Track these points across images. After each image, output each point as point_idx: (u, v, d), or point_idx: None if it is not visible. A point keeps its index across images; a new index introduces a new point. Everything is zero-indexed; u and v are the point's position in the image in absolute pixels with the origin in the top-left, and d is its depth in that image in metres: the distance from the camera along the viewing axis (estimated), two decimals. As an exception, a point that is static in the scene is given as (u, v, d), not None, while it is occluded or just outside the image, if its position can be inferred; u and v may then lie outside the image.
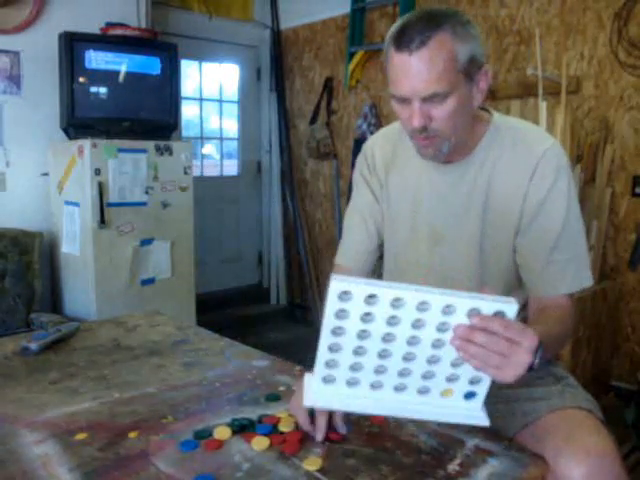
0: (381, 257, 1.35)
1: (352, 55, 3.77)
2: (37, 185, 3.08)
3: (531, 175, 1.10)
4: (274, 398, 1.07)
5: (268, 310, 4.38)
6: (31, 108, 3.03)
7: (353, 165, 1.35)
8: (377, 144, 1.30)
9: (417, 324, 0.79)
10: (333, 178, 4.10)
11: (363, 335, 0.81)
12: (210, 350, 1.36)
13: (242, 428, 0.94)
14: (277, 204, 4.47)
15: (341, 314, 0.79)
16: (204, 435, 0.92)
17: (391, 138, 1.27)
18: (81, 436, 0.93)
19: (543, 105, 2.46)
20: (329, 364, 0.83)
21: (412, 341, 0.81)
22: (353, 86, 3.91)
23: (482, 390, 0.84)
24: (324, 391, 0.84)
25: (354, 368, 0.83)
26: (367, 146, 1.32)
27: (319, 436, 0.93)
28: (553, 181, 1.09)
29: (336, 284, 0.77)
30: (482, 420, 0.83)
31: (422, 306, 0.78)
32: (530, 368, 0.82)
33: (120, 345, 1.40)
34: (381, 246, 1.32)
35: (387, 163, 1.26)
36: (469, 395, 0.84)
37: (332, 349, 0.82)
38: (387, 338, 0.81)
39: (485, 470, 0.83)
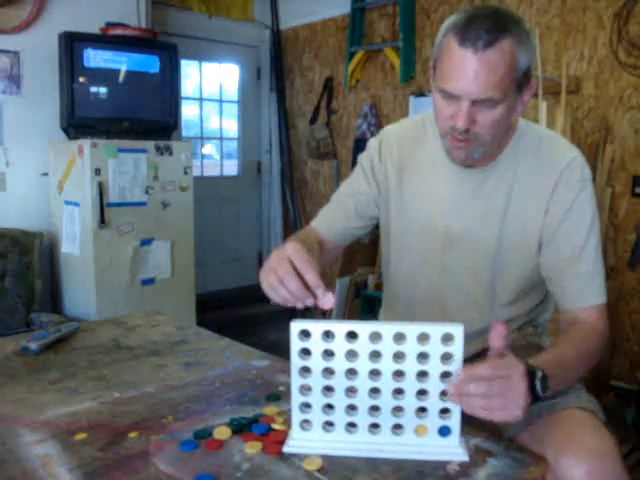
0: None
1: (352, 55, 3.77)
2: (37, 185, 3.08)
3: (554, 187, 1.09)
4: (274, 398, 1.07)
5: (268, 310, 4.37)
6: (31, 108, 3.03)
7: (353, 165, 1.34)
8: (396, 139, 1.25)
9: (374, 356, 0.85)
10: (333, 178, 4.10)
11: (328, 375, 0.87)
12: (210, 350, 1.36)
13: (241, 428, 0.94)
14: (277, 204, 4.48)
15: (305, 354, 0.87)
16: (204, 435, 0.92)
17: (412, 135, 1.24)
18: (81, 436, 0.93)
19: (543, 105, 2.46)
20: (303, 408, 0.89)
21: (374, 375, 0.86)
22: (353, 86, 3.91)
23: (455, 423, 0.86)
24: (302, 438, 0.89)
25: (326, 411, 0.89)
26: (386, 136, 1.27)
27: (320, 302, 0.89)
28: (578, 192, 1.09)
29: (295, 325, 0.86)
30: (460, 456, 0.85)
31: (375, 337, 0.85)
32: (537, 398, 0.84)
33: (120, 345, 1.40)
34: (361, 229, 1.30)
35: (404, 161, 1.23)
36: (444, 431, 0.86)
37: (303, 392, 0.88)
38: (350, 375, 0.87)
39: (485, 470, 0.83)
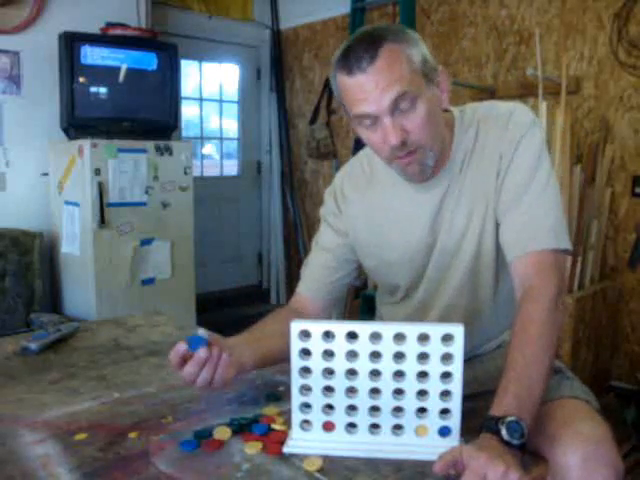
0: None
1: (352, 55, 3.76)
2: (37, 185, 3.08)
3: (499, 145, 1.05)
4: (274, 398, 1.07)
5: (268, 310, 4.32)
6: (31, 108, 3.03)
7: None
8: (348, 180, 1.23)
9: (374, 357, 0.86)
10: (333, 178, 4.10)
11: (328, 375, 0.88)
12: (210, 350, 1.36)
13: (241, 428, 0.94)
14: (277, 204, 4.47)
15: (305, 354, 0.88)
16: (204, 435, 0.92)
17: (363, 168, 1.21)
18: (81, 436, 0.93)
19: (543, 105, 2.46)
20: (303, 409, 0.89)
21: (374, 376, 0.86)
22: (353, 86, 3.91)
23: (455, 424, 0.86)
24: (302, 438, 0.89)
25: (327, 412, 0.89)
26: (339, 183, 1.25)
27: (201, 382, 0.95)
28: (523, 134, 1.04)
29: (295, 325, 0.87)
30: None
31: (375, 337, 0.85)
32: (523, 445, 0.79)
33: (120, 345, 1.40)
34: (348, 276, 1.24)
35: (361, 194, 1.19)
36: (444, 431, 0.86)
37: (303, 392, 0.88)
38: (350, 375, 0.87)
39: (485, 470, 0.82)
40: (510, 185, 1.04)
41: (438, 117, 1.03)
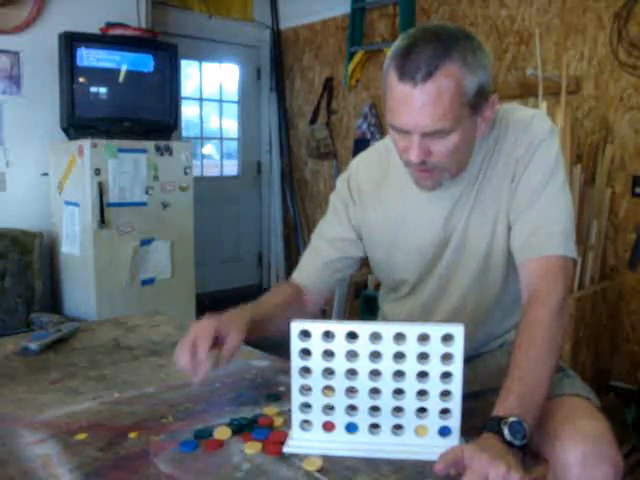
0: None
1: (352, 55, 3.77)
2: (37, 185, 3.08)
3: (516, 150, 1.05)
4: (274, 398, 1.07)
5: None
6: (31, 108, 3.03)
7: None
8: (362, 168, 1.22)
9: (374, 356, 0.86)
10: (333, 178, 4.10)
11: (328, 375, 0.88)
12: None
13: (241, 428, 0.94)
14: (277, 204, 4.47)
15: (305, 354, 0.88)
16: (204, 435, 0.92)
17: (380, 159, 1.20)
18: (81, 436, 0.93)
19: (543, 105, 2.46)
20: (303, 409, 0.89)
21: (374, 376, 0.87)
22: (353, 86, 3.91)
23: (455, 423, 0.86)
24: (303, 438, 0.89)
25: (327, 412, 0.89)
26: (354, 171, 1.23)
27: (199, 373, 0.96)
28: (541, 140, 1.04)
29: (295, 325, 0.87)
30: None
31: (375, 338, 0.85)
32: (525, 446, 0.80)
33: (120, 345, 1.40)
34: (348, 267, 1.24)
35: (376, 186, 1.18)
36: (444, 431, 0.86)
37: (303, 392, 0.89)
38: (350, 375, 0.87)
39: (485, 470, 0.82)
40: (524, 189, 1.04)
41: (469, 145, 1.02)
